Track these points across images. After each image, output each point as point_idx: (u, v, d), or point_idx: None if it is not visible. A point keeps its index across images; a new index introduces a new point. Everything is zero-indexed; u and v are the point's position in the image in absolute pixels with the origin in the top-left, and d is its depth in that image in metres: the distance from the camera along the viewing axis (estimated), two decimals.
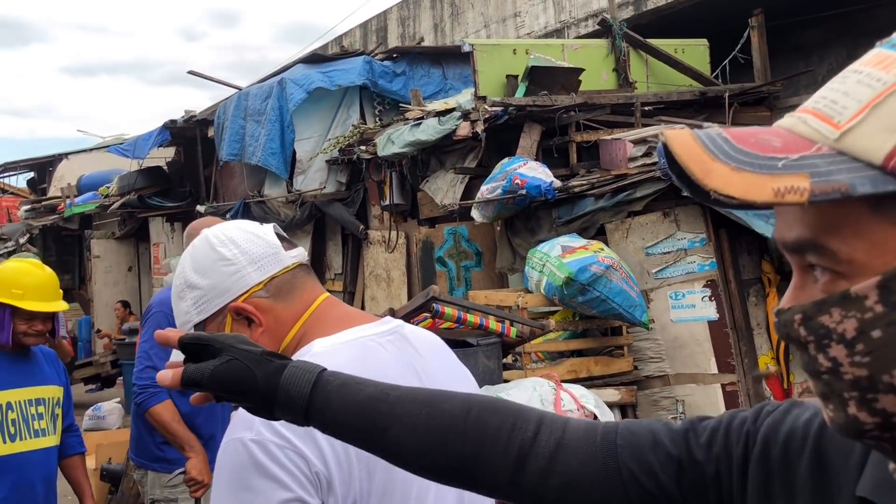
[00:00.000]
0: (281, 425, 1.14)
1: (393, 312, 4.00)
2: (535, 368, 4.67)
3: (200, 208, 10.35)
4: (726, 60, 7.25)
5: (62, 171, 16.35)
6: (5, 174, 18.18)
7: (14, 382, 3.05)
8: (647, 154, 5.75)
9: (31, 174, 18.18)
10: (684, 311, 4.90)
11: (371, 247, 7.53)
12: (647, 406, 4.94)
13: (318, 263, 8.66)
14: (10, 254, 13.90)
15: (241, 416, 1.17)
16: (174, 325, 2.14)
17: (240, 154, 8.95)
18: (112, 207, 11.93)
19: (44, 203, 15.13)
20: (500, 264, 6.07)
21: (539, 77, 6.24)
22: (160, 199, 11.59)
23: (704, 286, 4.82)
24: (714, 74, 7.38)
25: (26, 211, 15.09)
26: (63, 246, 15.01)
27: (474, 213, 5.88)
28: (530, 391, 3.73)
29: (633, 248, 5.12)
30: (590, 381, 4.71)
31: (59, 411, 3.19)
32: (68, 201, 13.84)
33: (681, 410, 4.78)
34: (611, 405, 4.73)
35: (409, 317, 3.94)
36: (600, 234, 5.29)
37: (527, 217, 5.78)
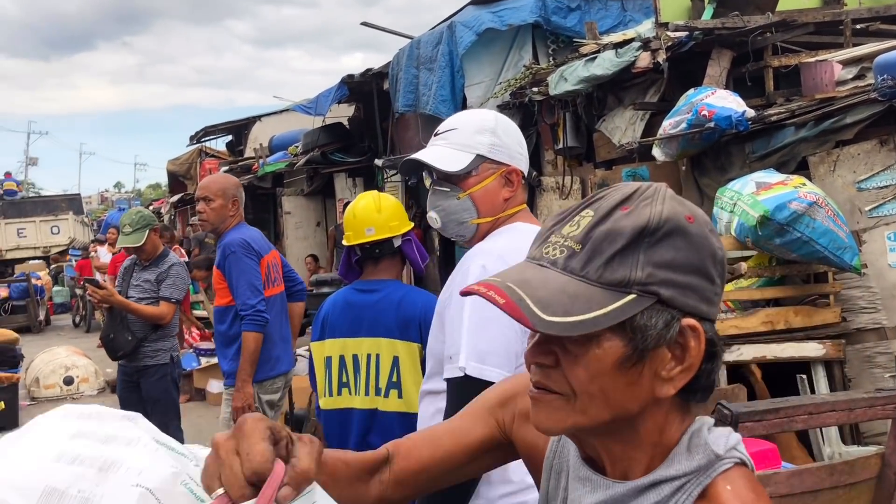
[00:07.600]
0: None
1: None
2: (725, 319, 4.19)
3: (378, 162, 10.42)
4: None
5: (256, 133, 17.21)
6: (207, 138, 19.41)
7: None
8: (860, 77, 5.00)
9: (230, 137, 19.30)
10: None
11: (545, 194, 7.19)
12: (859, 363, 4.31)
13: None
14: None
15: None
16: (252, 260, 3.67)
17: (414, 105, 8.84)
18: (298, 165, 12.34)
19: (240, 164, 15.99)
20: None
21: None
22: (342, 155, 11.82)
23: None
24: None
25: (225, 172, 16.00)
26: (258, 204, 15.81)
27: (656, 152, 5.38)
28: None
29: (841, 183, 4.45)
30: (789, 334, 4.18)
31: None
32: (261, 161, 14.54)
33: None
34: (814, 361, 4.21)
35: None
36: (802, 169, 4.65)
37: (716, 153, 5.22)
